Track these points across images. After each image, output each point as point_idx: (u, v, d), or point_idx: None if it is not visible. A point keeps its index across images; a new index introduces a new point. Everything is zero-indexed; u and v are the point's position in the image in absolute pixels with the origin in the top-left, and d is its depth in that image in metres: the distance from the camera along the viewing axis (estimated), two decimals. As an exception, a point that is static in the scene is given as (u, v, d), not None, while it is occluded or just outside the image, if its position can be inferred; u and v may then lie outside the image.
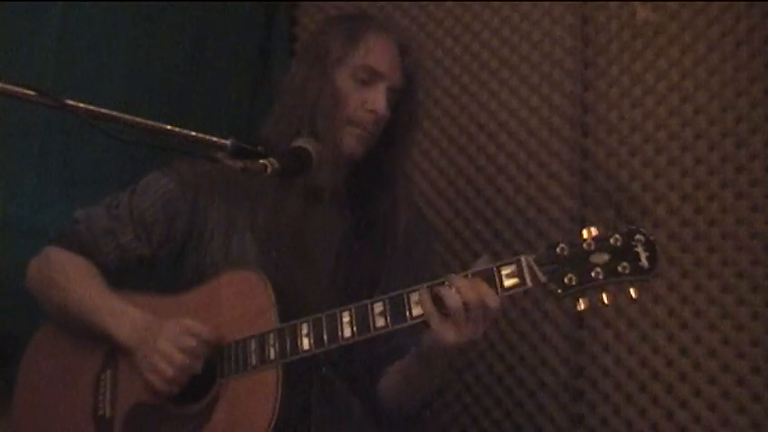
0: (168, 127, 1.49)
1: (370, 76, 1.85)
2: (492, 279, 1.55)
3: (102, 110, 1.44)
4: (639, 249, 1.50)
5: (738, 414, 1.93)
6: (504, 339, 2.30)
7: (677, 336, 2.03)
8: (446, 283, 1.56)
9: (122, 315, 1.77)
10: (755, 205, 1.96)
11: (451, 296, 1.54)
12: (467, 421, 2.36)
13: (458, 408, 2.38)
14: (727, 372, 1.95)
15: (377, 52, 1.86)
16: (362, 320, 1.61)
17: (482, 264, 1.59)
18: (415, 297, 1.59)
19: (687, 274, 2.02)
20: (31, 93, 1.39)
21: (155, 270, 1.94)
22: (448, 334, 1.55)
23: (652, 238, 1.51)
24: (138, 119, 1.46)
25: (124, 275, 1.89)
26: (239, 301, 1.73)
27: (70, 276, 1.85)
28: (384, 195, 1.91)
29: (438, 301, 1.56)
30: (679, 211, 2.05)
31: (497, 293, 1.54)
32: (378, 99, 1.84)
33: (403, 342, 1.78)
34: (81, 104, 1.42)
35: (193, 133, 1.51)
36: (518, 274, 1.54)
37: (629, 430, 2.08)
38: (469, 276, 1.56)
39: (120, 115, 1.45)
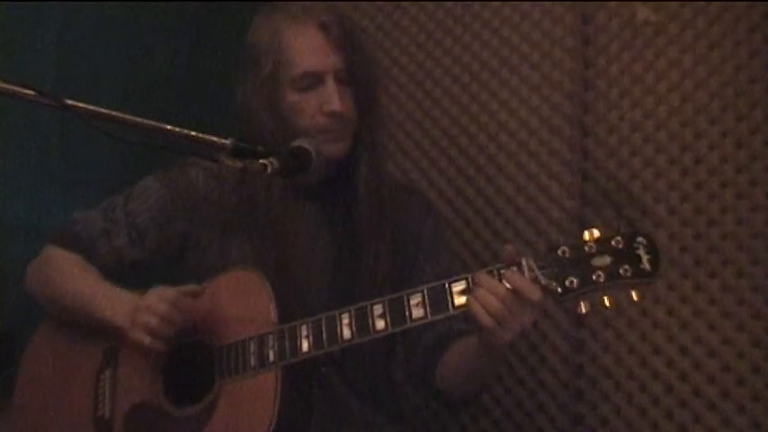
0: (168, 127, 1.49)
1: (310, 80, 1.78)
2: None
3: (102, 110, 1.44)
4: (641, 252, 1.49)
5: (738, 414, 1.93)
6: (504, 339, 2.30)
7: (677, 336, 2.03)
8: (468, 279, 1.54)
9: (117, 299, 1.77)
10: (755, 205, 1.96)
11: (489, 300, 1.51)
12: (466, 421, 2.36)
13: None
14: (727, 372, 1.95)
15: (304, 53, 1.78)
16: (362, 322, 1.61)
17: (509, 253, 1.55)
18: (414, 299, 1.58)
19: (687, 274, 2.02)
20: (31, 93, 1.39)
21: (152, 275, 1.94)
22: (497, 335, 1.53)
23: (654, 240, 1.50)
24: (138, 119, 1.46)
25: (122, 278, 1.89)
26: (238, 300, 1.73)
27: (66, 271, 1.86)
28: (356, 175, 1.84)
29: (484, 306, 1.53)
30: (679, 211, 2.05)
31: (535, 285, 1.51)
32: (329, 98, 1.77)
33: (447, 327, 1.78)
34: (81, 104, 1.42)
35: (193, 133, 1.51)
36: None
37: (629, 430, 2.08)
38: (495, 274, 1.54)
39: (120, 115, 1.45)
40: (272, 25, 1.83)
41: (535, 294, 1.51)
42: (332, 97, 1.77)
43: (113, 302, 1.76)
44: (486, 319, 1.51)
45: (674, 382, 2.02)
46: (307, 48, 1.79)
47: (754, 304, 1.94)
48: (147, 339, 1.68)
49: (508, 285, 1.51)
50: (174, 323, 1.69)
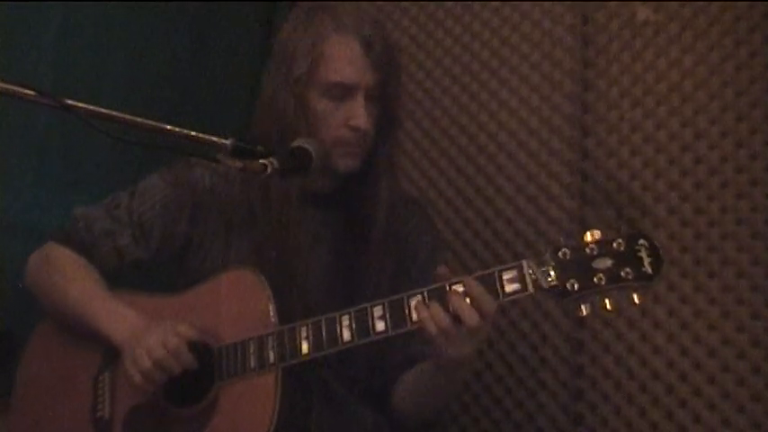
0: (168, 127, 1.49)
1: (342, 91, 1.77)
2: (493, 284, 1.53)
3: (102, 110, 1.44)
4: (643, 254, 1.48)
5: (738, 414, 1.93)
6: (504, 339, 2.30)
7: (677, 336, 2.03)
8: (447, 288, 1.54)
9: (119, 317, 1.76)
10: (755, 205, 1.96)
11: (438, 314, 1.52)
12: (467, 421, 2.36)
13: (457, 408, 2.38)
14: (727, 372, 1.95)
15: (343, 64, 1.77)
16: (362, 324, 1.60)
17: (440, 274, 1.56)
18: (414, 301, 1.57)
19: (687, 274, 2.02)
20: (31, 93, 1.39)
21: (153, 274, 1.94)
22: (449, 349, 1.53)
23: (656, 242, 1.49)
24: (138, 119, 1.46)
25: (122, 276, 1.89)
26: (237, 299, 1.73)
27: (69, 276, 1.85)
28: (369, 192, 1.85)
29: (433, 317, 1.53)
30: (679, 211, 2.05)
31: (498, 298, 1.52)
32: (357, 114, 1.76)
33: (419, 349, 1.76)
34: (81, 104, 1.42)
35: (193, 133, 1.51)
36: (519, 279, 1.52)
37: (629, 430, 2.08)
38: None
39: (120, 115, 1.45)
40: (316, 27, 1.81)
41: (473, 319, 1.50)
42: (360, 113, 1.77)
43: (114, 319, 1.76)
44: (432, 330, 1.53)
45: (674, 382, 2.02)
46: (346, 59, 1.78)
47: (753, 304, 1.93)
48: (137, 378, 1.67)
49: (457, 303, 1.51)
50: (169, 371, 1.67)
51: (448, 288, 1.55)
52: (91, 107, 1.43)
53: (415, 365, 1.78)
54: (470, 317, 1.51)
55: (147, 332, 1.70)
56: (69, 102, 1.41)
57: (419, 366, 1.77)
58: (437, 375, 1.70)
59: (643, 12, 2.14)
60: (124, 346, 1.73)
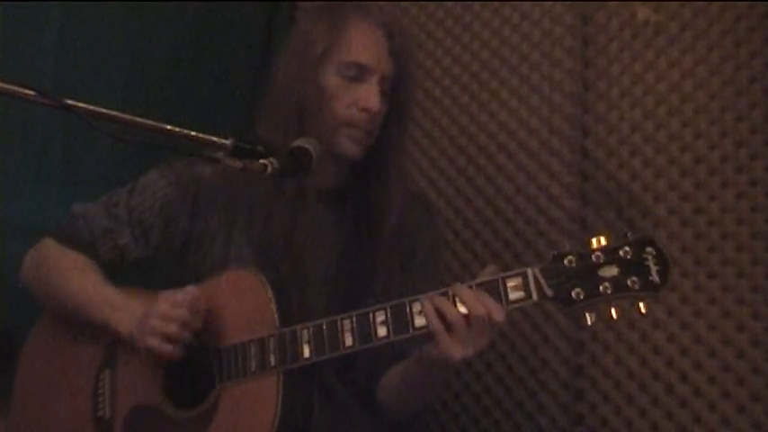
0: (168, 127, 1.48)
1: (357, 72, 1.78)
2: (497, 291, 1.51)
3: (102, 110, 1.43)
4: (650, 263, 1.45)
5: (738, 414, 1.93)
6: (504, 339, 2.30)
7: (677, 336, 2.03)
8: (449, 293, 1.52)
9: (121, 307, 1.76)
10: (755, 205, 1.96)
11: (452, 311, 1.50)
12: (467, 421, 2.36)
13: (457, 408, 2.38)
14: (727, 372, 1.95)
15: (362, 45, 1.79)
16: (364, 330, 1.58)
17: (489, 273, 1.54)
18: (417, 307, 1.55)
19: (687, 275, 2.02)
20: (31, 93, 1.39)
21: (153, 271, 1.94)
22: (452, 349, 1.51)
23: (663, 250, 1.46)
24: (138, 119, 1.46)
25: (122, 274, 1.89)
26: (238, 300, 1.72)
27: (68, 270, 1.84)
28: (378, 190, 1.86)
29: (440, 313, 1.52)
30: (679, 211, 2.05)
31: (503, 307, 1.50)
32: (370, 96, 1.77)
33: (407, 346, 1.76)
34: (81, 104, 1.42)
35: (193, 133, 1.51)
36: (524, 287, 1.50)
37: (629, 430, 2.08)
38: (474, 287, 1.52)
39: (120, 115, 1.45)
40: (338, 14, 1.83)
41: (499, 315, 1.49)
42: (372, 95, 1.77)
43: (118, 310, 1.75)
44: (438, 328, 1.51)
45: (674, 382, 2.02)
46: (366, 42, 1.79)
47: (753, 304, 1.94)
48: (167, 348, 1.66)
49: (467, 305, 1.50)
50: (194, 327, 1.67)
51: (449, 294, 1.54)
52: (91, 107, 1.42)
53: (400, 361, 1.78)
54: (498, 312, 1.48)
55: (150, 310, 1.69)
56: (69, 102, 1.40)
57: (405, 363, 1.76)
58: (423, 374, 1.70)
59: (643, 12, 2.14)
60: (131, 334, 1.72)
